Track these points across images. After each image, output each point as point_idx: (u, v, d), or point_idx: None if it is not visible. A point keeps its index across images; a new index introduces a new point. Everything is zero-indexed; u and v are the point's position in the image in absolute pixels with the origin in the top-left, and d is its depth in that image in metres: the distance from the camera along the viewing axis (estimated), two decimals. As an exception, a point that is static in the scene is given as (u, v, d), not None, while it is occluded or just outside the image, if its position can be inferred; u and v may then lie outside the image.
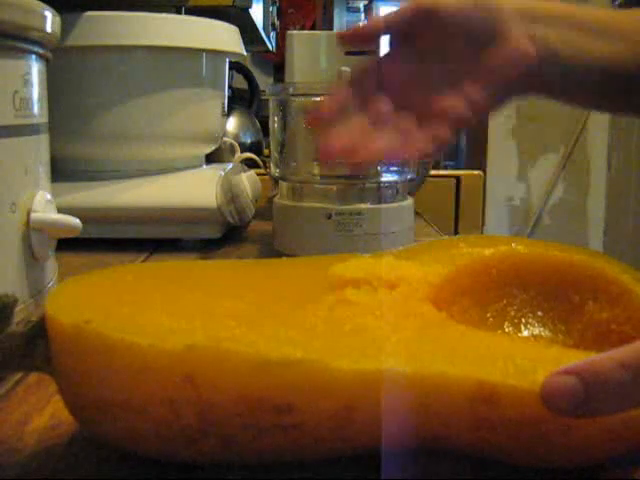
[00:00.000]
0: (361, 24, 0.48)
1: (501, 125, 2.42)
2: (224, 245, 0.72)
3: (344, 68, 0.63)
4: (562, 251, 0.36)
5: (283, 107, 0.65)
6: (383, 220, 0.61)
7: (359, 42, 0.47)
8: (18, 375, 0.37)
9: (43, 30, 0.41)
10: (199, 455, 0.27)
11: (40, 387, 0.36)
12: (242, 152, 1.03)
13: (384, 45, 0.47)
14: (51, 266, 0.44)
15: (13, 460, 0.29)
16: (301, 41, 0.76)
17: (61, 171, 0.68)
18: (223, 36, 0.77)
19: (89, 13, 0.68)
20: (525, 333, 0.34)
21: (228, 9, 0.94)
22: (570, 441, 0.26)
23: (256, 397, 0.25)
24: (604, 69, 0.45)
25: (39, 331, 0.28)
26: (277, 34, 1.58)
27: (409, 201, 0.65)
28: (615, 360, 0.24)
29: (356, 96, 0.45)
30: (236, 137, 1.26)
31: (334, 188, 0.62)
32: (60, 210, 0.43)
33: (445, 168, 1.60)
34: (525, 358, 0.26)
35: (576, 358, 0.25)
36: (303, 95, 0.64)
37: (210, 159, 0.84)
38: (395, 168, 0.63)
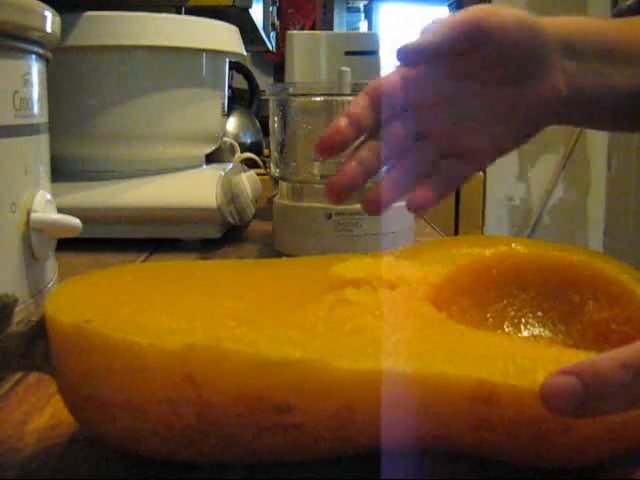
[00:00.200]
0: (418, 41, 0.42)
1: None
2: (224, 245, 0.72)
3: (344, 68, 0.63)
4: (562, 251, 0.36)
5: (283, 107, 0.65)
6: (383, 220, 0.61)
7: (420, 59, 0.43)
8: (18, 375, 0.37)
9: (43, 30, 0.41)
10: (199, 455, 0.27)
11: (40, 387, 0.36)
12: (242, 152, 1.03)
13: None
14: (51, 266, 0.44)
15: (13, 460, 0.29)
16: (301, 41, 0.76)
17: (61, 171, 0.68)
18: (223, 36, 0.77)
19: (89, 13, 0.68)
20: (525, 333, 0.34)
21: (228, 9, 0.94)
22: (570, 441, 0.26)
23: (256, 397, 0.25)
24: (629, 95, 0.44)
25: (39, 331, 0.28)
26: (277, 34, 1.58)
27: (409, 201, 0.65)
28: (615, 360, 0.24)
29: (374, 111, 0.42)
30: (236, 137, 1.26)
31: (334, 188, 0.61)
32: (60, 210, 0.43)
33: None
34: (525, 358, 0.26)
35: (576, 358, 0.25)
36: (303, 95, 0.64)
37: (210, 159, 0.84)
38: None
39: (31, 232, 0.40)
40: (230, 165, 0.80)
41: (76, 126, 0.71)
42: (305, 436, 0.26)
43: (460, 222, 1.20)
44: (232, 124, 1.29)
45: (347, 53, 0.83)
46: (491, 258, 0.35)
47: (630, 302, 0.33)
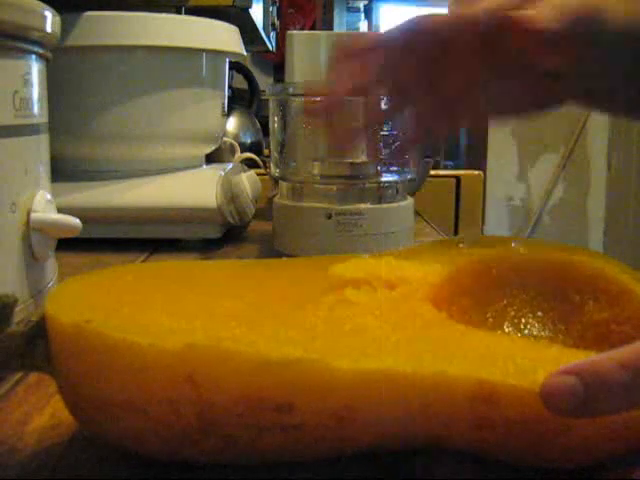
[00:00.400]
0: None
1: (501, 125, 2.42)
2: (224, 245, 0.72)
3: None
4: (562, 251, 0.36)
5: (283, 107, 0.65)
6: (383, 220, 0.61)
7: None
8: (18, 375, 0.37)
9: (43, 30, 0.41)
10: (200, 455, 0.27)
11: (40, 387, 0.36)
12: (242, 152, 1.03)
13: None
14: (51, 266, 0.44)
15: (13, 460, 0.29)
16: (301, 41, 0.76)
17: (61, 171, 0.68)
18: (223, 36, 0.77)
19: (89, 13, 0.68)
20: (525, 333, 0.34)
21: (228, 9, 0.94)
22: (570, 441, 0.26)
23: (256, 397, 0.25)
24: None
25: (39, 331, 0.28)
26: (277, 34, 1.58)
27: (409, 201, 0.65)
28: (615, 360, 0.24)
29: (383, 58, 0.40)
30: (236, 137, 1.26)
31: (334, 188, 0.62)
32: (60, 210, 0.43)
33: (445, 168, 1.61)
34: (525, 358, 0.26)
35: (576, 358, 0.25)
36: (303, 95, 0.64)
37: (210, 159, 0.84)
38: (395, 168, 0.63)
39: (31, 232, 0.40)
40: (230, 165, 0.80)
41: (76, 126, 0.71)
42: (305, 436, 0.26)
43: (460, 222, 1.20)
44: (232, 124, 1.29)
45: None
46: (491, 258, 0.35)
47: (630, 302, 0.33)
